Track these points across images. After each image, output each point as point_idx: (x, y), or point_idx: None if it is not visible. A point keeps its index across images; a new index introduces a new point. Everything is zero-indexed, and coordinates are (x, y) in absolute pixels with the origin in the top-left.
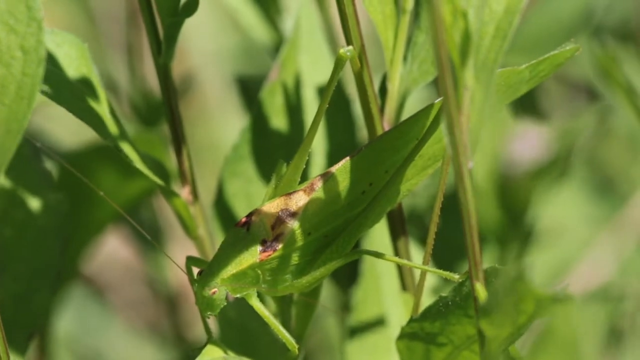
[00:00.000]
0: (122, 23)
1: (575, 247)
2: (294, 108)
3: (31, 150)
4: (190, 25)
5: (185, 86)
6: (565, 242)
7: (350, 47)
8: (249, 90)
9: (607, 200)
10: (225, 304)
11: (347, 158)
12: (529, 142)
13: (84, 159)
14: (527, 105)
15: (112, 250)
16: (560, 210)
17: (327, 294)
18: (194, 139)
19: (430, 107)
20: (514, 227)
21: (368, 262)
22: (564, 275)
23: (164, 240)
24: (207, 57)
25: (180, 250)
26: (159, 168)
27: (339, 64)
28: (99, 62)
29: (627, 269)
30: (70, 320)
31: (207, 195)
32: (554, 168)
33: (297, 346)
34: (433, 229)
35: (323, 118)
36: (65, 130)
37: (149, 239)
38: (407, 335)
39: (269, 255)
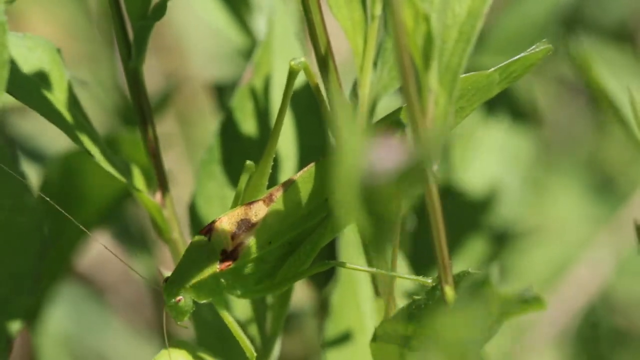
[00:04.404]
0: (102, 24)
1: (574, 246)
2: (266, 111)
3: (10, 153)
4: (189, 25)
5: (176, 84)
6: (564, 241)
7: (302, 59)
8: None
9: (606, 200)
10: (194, 309)
11: (308, 167)
12: (390, 149)
13: (70, 160)
14: (525, 107)
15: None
16: (559, 209)
17: (303, 293)
18: (192, 138)
19: (393, 113)
20: (382, 233)
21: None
22: (562, 274)
23: (151, 241)
24: (205, 57)
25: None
26: (131, 170)
27: (291, 76)
28: (98, 63)
29: (625, 268)
30: (68, 320)
31: None
32: (415, 173)
33: (255, 355)
34: (397, 237)
35: (294, 122)
36: (60, 132)
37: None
38: (380, 337)
39: (229, 264)
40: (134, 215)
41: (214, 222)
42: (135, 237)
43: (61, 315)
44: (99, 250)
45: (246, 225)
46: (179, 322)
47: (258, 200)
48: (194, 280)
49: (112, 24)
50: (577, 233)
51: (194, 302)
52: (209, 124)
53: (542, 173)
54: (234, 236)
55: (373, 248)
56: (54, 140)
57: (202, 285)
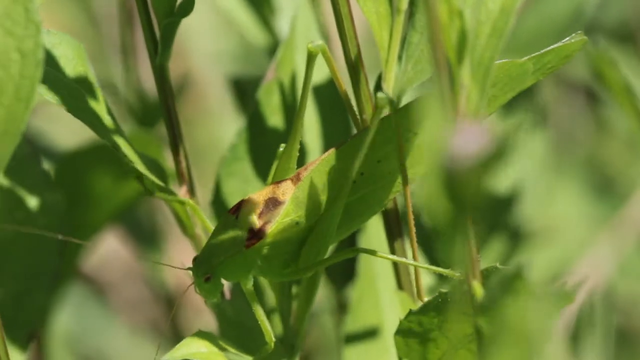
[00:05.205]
0: (124, 25)
1: (575, 246)
2: (290, 107)
3: (30, 151)
4: (192, 27)
5: (183, 86)
6: (565, 241)
7: (320, 42)
8: (247, 90)
9: (607, 200)
10: (223, 287)
11: (333, 149)
12: (471, 137)
13: (82, 159)
14: (526, 106)
15: (113, 249)
16: (560, 209)
17: (323, 292)
18: (194, 139)
19: (421, 98)
20: (463, 221)
21: (364, 261)
22: (564, 274)
23: (162, 239)
24: (208, 58)
25: (178, 249)
26: (155, 167)
27: (310, 59)
28: (101, 64)
29: (626, 268)
30: (71, 319)
31: (206, 194)
32: (495, 162)
33: (274, 340)
34: (412, 226)
35: (318, 117)
36: (66, 130)
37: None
38: (405, 329)
39: (255, 243)
40: (146, 213)
41: (242, 200)
42: (147, 235)
43: (65, 314)
44: (102, 249)
45: (273, 204)
46: (207, 302)
47: (286, 179)
48: (221, 258)
49: (120, 26)
50: (578, 233)
51: (220, 291)
52: (212, 124)
53: (545, 172)
54: (261, 214)
55: (451, 235)
56: (59, 137)
57: (230, 264)
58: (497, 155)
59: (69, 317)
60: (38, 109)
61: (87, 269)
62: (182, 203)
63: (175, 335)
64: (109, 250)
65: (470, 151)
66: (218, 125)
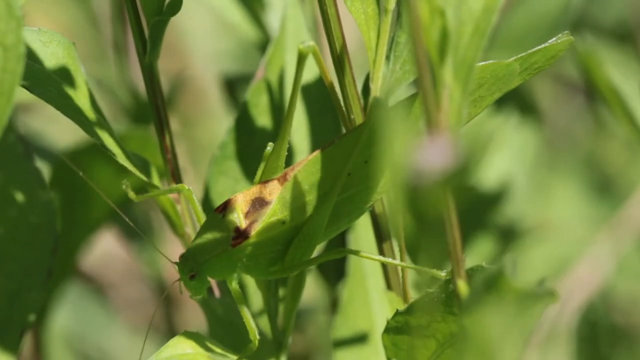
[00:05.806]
0: (116, 23)
1: (574, 246)
2: (279, 107)
3: (23, 149)
4: (192, 26)
5: (182, 85)
6: (564, 241)
7: (311, 43)
8: (241, 89)
9: (606, 200)
10: (209, 284)
11: (319, 150)
12: (437, 149)
13: (78, 157)
14: (524, 105)
15: (113, 248)
16: (559, 208)
17: (317, 290)
18: (194, 138)
19: (408, 99)
20: (427, 235)
21: (354, 261)
22: (562, 274)
23: (158, 238)
24: (207, 57)
25: (173, 248)
26: (146, 166)
27: (300, 59)
28: (101, 64)
29: (624, 267)
30: (71, 318)
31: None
32: (463, 174)
33: (258, 338)
34: (402, 227)
35: (307, 119)
36: (65, 130)
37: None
38: (392, 329)
39: (240, 242)
40: (141, 212)
41: (229, 199)
42: (142, 234)
43: (64, 313)
44: (101, 248)
45: (260, 204)
46: (195, 299)
47: (273, 179)
48: (207, 256)
49: (114, 24)
50: (577, 232)
51: (207, 287)
52: (211, 124)
53: (543, 171)
54: (247, 214)
55: (421, 250)
56: (59, 137)
57: (216, 262)
58: (464, 170)
59: (68, 316)
60: (37, 109)
61: (86, 269)
62: (179, 191)
63: (172, 335)
64: (109, 249)
65: (435, 165)
66: (217, 125)
